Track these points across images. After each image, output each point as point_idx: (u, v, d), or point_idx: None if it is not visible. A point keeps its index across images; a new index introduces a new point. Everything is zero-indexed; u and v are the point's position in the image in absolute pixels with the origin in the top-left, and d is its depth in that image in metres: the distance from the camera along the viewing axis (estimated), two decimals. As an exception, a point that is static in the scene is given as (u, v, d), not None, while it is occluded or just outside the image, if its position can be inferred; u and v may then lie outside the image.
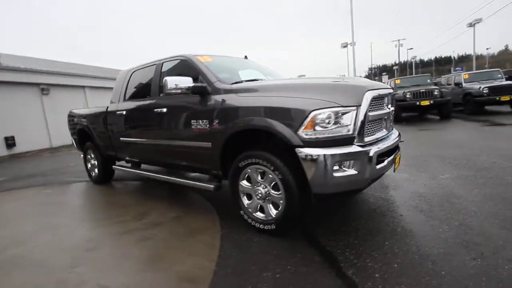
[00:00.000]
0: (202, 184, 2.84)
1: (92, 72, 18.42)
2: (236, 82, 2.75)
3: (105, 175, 4.73)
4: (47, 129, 13.71)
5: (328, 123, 1.99)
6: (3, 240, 2.82)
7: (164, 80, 2.63)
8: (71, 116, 5.26)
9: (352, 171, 2.00)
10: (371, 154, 2.04)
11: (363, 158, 2.01)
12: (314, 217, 2.68)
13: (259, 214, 2.45)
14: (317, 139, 2.01)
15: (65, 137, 14.58)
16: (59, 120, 14.27)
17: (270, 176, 2.26)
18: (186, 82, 2.63)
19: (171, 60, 3.26)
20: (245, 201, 2.53)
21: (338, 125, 2.00)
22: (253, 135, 2.50)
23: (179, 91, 2.64)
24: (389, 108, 2.48)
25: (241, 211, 2.53)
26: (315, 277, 1.79)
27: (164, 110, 3.08)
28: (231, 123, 2.41)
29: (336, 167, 1.98)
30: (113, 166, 4.28)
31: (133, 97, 3.73)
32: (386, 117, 2.45)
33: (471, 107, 9.70)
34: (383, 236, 2.23)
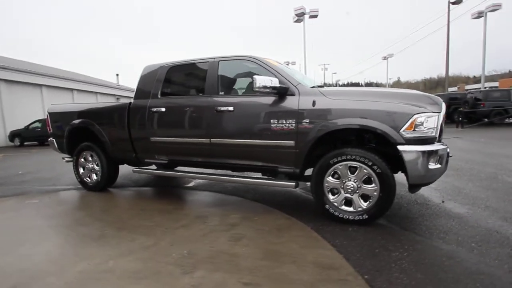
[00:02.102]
0: (282, 182, 2.90)
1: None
2: (313, 87, 2.97)
3: (109, 180, 4.15)
4: None
5: (422, 125, 2.43)
6: (51, 256, 2.28)
7: (253, 78, 2.66)
8: (55, 113, 4.43)
9: (438, 165, 2.47)
10: (448, 151, 2.55)
11: (444, 154, 2.51)
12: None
13: (345, 207, 2.69)
14: (414, 138, 2.42)
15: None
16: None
17: (365, 171, 2.55)
18: (273, 82, 2.72)
19: (232, 60, 3.25)
20: (330, 196, 2.73)
21: (428, 127, 2.45)
22: (339, 135, 2.77)
23: (268, 90, 2.71)
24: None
25: (326, 206, 2.72)
26: (435, 252, 2.14)
27: (231, 108, 3.04)
28: (326, 122, 2.62)
29: (431, 161, 2.41)
30: (134, 169, 3.81)
31: (175, 94, 3.49)
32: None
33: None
34: (445, 219, 2.75)
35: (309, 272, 1.95)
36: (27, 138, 14.29)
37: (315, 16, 18.50)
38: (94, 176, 4.18)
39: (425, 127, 2.44)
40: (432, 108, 2.49)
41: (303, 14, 18.21)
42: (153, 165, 3.85)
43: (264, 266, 2.04)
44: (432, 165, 2.44)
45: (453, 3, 20.50)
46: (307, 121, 2.70)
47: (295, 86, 2.84)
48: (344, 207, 2.69)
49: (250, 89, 3.04)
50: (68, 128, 4.19)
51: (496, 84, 37.68)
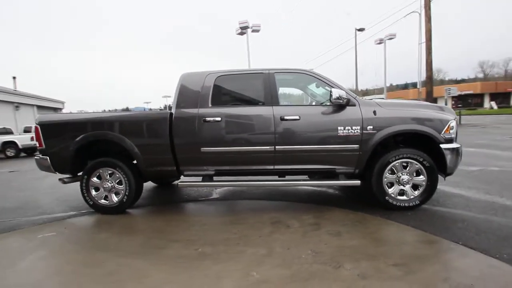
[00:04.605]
0: (349, 181, 3.31)
1: None
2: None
3: (135, 199, 3.70)
4: None
5: (453, 128, 3.28)
6: (178, 283, 2.05)
7: (331, 90, 3.04)
8: (49, 124, 3.65)
9: (460, 158, 3.36)
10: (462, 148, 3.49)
11: (462, 150, 3.41)
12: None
13: (399, 197, 3.31)
14: (448, 138, 3.24)
15: None
16: None
17: (416, 166, 3.23)
18: (342, 94, 3.14)
19: (286, 72, 3.51)
20: (388, 189, 3.30)
21: (454, 129, 3.32)
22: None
23: (341, 101, 3.11)
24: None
25: (386, 197, 3.28)
26: (478, 220, 2.93)
27: (297, 117, 3.28)
28: (387, 128, 3.19)
29: (459, 156, 3.27)
30: (179, 184, 3.50)
31: (228, 103, 3.46)
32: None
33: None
34: (456, 198, 3.67)
35: (423, 248, 2.43)
36: None
37: (257, 31, 19.86)
38: (114, 197, 3.62)
39: (452, 130, 3.30)
40: (453, 116, 3.37)
41: (246, 27, 19.25)
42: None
43: (387, 251, 2.41)
44: (458, 159, 3.31)
45: (359, 30, 25.29)
46: (371, 127, 3.21)
47: (354, 98, 3.32)
48: (399, 197, 3.30)
49: (316, 99, 3.36)
50: (78, 143, 3.52)
51: (383, 96, 47.77)
